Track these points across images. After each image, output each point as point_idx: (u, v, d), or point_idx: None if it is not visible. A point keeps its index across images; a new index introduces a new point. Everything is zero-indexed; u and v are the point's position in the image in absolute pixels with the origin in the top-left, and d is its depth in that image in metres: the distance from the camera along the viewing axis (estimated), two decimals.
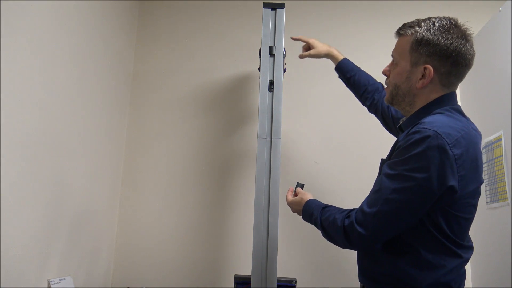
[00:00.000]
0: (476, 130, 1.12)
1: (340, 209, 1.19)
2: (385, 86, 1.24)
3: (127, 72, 2.29)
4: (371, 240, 1.07)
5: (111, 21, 2.05)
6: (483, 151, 1.84)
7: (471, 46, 1.12)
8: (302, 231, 2.07)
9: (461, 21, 1.13)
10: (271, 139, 1.68)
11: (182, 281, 2.09)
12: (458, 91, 2.19)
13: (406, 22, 1.18)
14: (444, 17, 1.13)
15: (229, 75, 2.31)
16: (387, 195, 1.04)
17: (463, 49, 1.09)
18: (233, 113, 2.27)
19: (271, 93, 1.72)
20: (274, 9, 1.81)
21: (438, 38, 1.09)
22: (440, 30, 1.10)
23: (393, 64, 1.20)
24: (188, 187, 2.20)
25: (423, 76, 1.12)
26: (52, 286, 1.51)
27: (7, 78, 1.26)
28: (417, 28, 1.13)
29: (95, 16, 1.86)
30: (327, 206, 1.25)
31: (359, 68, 1.74)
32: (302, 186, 1.49)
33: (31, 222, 1.41)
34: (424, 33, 1.11)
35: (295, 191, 1.46)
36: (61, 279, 1.57)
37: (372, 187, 1.16)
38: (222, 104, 2.29)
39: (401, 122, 1.24)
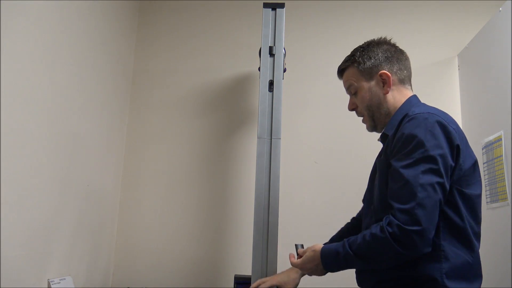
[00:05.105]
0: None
1: (360, 233, 1.11)
2: (361, 117, 1.32)
3: (127, 72, 2.29)
4: (429, 233, 1.01)
5: (111, 21, 2.05)
6: (483, 151, 1.84)
7: (397, 46, 1.32)
8: (302, 231, 2.07)
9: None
10: (271, 139, 1.68)
11: (182, 281, 2.09)
12: (457, 91, 2.22)
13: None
14: (365, 41, 1.32)
15: (229, 75, 2.31)
16: (419, 181, 1.02)
17: (395, 48, 1.29)
18: (233, 113, 2.27)
19: (271, 93, 1.72)
20: (274, 9, 1.81)
21: (374, 51, 1.27)
22: (370, 46, 1.29)
23: (353, 96, 1.31)
24: (188, 187, 2.20)
25: (383, 82, 1.24)
26: (52, 286, 1.50)
27: (6, 78, 1.26)
28: (353, 57, 1.29)
29: (95, 16, 1.86)
30: (344, 240, 1.13)
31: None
32: (302, 246, 1.35)
33: (31, 222, 1.41)
34: (362, 54, 1.28)
35: (297, 254, 1.33)
36: (61, 279, 1.57)
37: (376, 189, 1.17)
38: (222, 104, 2.29)
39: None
